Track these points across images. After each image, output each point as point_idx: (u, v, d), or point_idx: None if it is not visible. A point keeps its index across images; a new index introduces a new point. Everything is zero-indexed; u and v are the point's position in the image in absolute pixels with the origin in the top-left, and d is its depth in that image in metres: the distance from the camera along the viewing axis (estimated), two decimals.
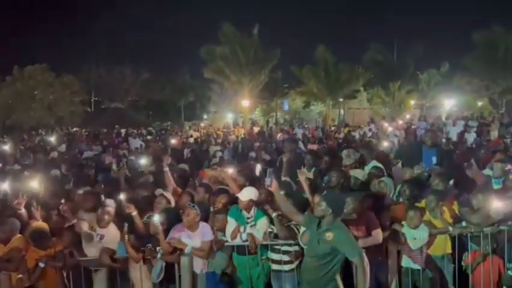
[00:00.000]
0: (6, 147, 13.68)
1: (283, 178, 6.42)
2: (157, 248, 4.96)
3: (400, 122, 20.29)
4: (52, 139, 17.73)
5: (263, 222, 5.13)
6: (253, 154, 11.09)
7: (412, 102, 36.76)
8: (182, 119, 40.91)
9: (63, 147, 15.13)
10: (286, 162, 6.73)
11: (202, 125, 34.23)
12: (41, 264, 4.69)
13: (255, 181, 6.12)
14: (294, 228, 4.91)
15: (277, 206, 4.84)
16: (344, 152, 6.91)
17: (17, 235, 4.94)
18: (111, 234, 5.14)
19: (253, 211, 5.14)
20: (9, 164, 10.26)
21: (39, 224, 4.92)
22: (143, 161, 8.97)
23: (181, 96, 41.26)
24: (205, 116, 42.22)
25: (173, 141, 16.04)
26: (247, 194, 5.10)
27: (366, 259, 3.97)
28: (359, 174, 6.12)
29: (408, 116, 27.35)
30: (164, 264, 4.94)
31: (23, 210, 5.46)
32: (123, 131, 23.91)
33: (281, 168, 6.77)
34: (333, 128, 23.53)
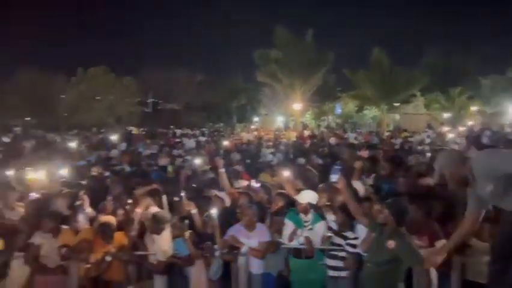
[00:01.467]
0: (73, 145, 14.57)
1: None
2: (215, 246, 5.06)
3: (461, 128, 19.33)
4: (113, 137, 18.64)
5: (321, 226, 5.08)
6: (301, 160, 10.77)
7: (473, 108, 34.91)
8: (234, 121, 41.50)
9: (123, 146, 15.86)
10: (359, 169, 6.42)
11: (252, 127, 34.52)
12: (108, 258, 4.92)
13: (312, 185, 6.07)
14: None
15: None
16: (411, 158, 6.66)
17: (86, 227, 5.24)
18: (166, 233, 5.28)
19: (310, 215, 5.11)
20: (76, 160, 10.89)
21: (107, 217, 5.18)
22: (199, 161, 9.20)
23: (234, 99, 41.88)
24: (256, 119, 42.54)
25: (225, 142, 16.30)
26: (306, 197, 5.08)
27: (432, 270, 3.82)
28: (425, 181, 5.88)
29: (470, 123, 25.99)
30: (221, 262, 5.03)
31: (88, 210, 5.81)
32: (178, 131, 24.65)
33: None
34: (387, 134, 22.87)
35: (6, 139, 20.64)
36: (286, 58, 30.34)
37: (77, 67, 35.58)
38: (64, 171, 7.82)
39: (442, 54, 34.16)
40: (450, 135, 14.72)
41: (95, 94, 35.06)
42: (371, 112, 39.18)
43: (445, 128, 16.93)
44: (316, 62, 30.41)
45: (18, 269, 4.98)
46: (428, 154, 10.09)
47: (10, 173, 7.64)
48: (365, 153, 8.49)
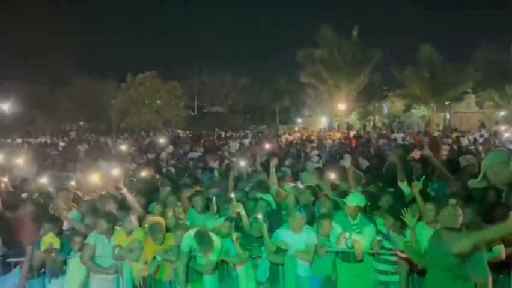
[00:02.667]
0: (123, 148, 15.16)
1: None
2: (262, 248, 5.07)
3: None
4: (161, 140, 19.19)
5: (370, 230, 4.97)
6: (344, 161, 10.48)
7: None
8: (277, 123, 41.55)
9: (170, 148, 16.28)
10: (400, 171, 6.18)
11: (296, 128, 34.36)
12: (158, 258, 5.06)
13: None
14: None
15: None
16: (464, 159, 6.36)
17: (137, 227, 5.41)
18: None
19: (359, 218, 5.00)
20: (127, 162, 11.30)
21: (157, 218, 5.33)
22: (243, 164, 9.25)
23: (277, 100, 41.92)
24: (299, 120, 42.34)
25: (269, 144, 16.31)
26: (354, 199, 4.98)
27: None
28: (479, 184, 5.59)
29: None
30: (269, 264, 5.04)
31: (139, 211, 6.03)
32: (223, 133, 25.01)
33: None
34: (437, 134, 21.97)
35: (62, 143, 21.83)
36: (331, 57, 29.96)
37: (126, 73, 37.11)
38: (115, 174, 8.12)
39: (496, 49, 32.32)
40: (506, 135, 13.88)
41: (143, 99, 36.36)
42: (419, 111, 37.85)
43: (501, 127, 15.97)
44: (362, 61, 29.81)
45: (76, 268, 5.22)
46: (483, 155, 9.60)
47: (67, 175, 8.06)
48: (416, 155, 8.21)
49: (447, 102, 33.67)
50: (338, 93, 31.15)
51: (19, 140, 25.16)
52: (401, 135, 20.30)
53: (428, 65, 29.92)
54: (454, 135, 18.73)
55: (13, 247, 5.18)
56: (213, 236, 4.88)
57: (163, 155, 13.53)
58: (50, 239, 5.02)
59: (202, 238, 4.74)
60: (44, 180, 7.34)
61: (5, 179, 7.46)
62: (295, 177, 8.00)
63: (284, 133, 29.44)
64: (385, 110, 40.79)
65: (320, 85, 32.38)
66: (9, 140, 24.71)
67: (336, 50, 29.63)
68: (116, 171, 6.89)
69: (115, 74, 39.40)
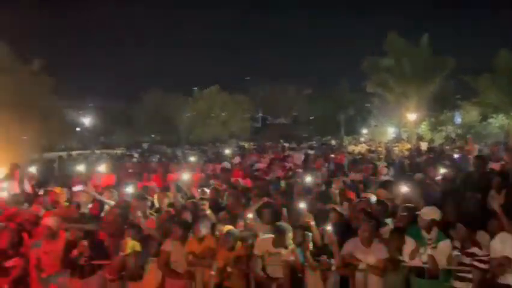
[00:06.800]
0: (192, 159, 15.77)
1: None
2: (331, 261, 5.04)
3: None
4: (227, 151, 19.70)
5: (446, 245, 4.75)
6: (420, 174, 9.96)
7: None
8: (342, 133, 40.84)
9: (236, 159, 16.63)
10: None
11: (362, 139, 33.52)
12: (229, 269, 5.21)
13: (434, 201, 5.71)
14: None
15: None
16: None
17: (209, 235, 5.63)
18: None
19: (434, 232, 4.80)
20: (197, 173, 11.73)
21: (228, 227, 5.51)
22: (308, 175, 9.25)
23: (341, 111, 41.29)
24: (364, 131, 41.27)
25: (335, 155, 16.10)
26: (429, 213, 4.79)
27: None
28: None
29: None
30: (338, 277, 4.98)
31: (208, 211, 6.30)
32: (286, 145, 25.09)
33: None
34: None
35: (136, 154, 23.18)
36: (398, 65, 28.99)
37: (192, 87, 38.79)
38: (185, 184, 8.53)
39: None
40: None
41: (210, 112, 37.68)
42: (497, 120, 35.26)
43: None
44: (433, 69, 28.51)
45: (152, 272, 5.53)
46: None
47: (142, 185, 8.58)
48: (496, 166, 7.71)
49: None
50: (407, 102, 29.98)
51: (98, 152, 27.13)
52: (477, 146, 19.02)
53: (507, 72, 27.87)
54: None
55: (98, 250, 5.61)
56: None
57: (229, 165, 13.80)
58: (131, 244, 5.38)
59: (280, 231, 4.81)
60: (125, 189, 7.88)
61: (89, 187, 8.13)
62: (364, 189, 7.86)
63: (349, 144, 28.87)
64: (458, 120, 38.48)
65: (386, 94, 31.39)
66: (89, 151, 26.71)
67: (405, 58, 28.60)
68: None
69: (182, 88, 41.36)
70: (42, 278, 5.51)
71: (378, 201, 6.21)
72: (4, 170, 10.12)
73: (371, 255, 4.91)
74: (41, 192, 8.44)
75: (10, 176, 9.53)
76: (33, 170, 11.61)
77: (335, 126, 42.08)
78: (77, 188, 7.97)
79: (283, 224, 5.39)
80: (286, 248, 5.11)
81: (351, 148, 23.99)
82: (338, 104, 41.03)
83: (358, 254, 4.95)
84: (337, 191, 7.32)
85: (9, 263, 5.47)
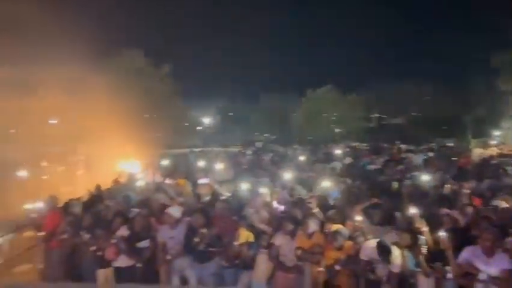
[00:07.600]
0: (302, 158, 15.94)
1: None
2: (446, 268, 4.77)
3: None
4: (337, 151, 19.38)
5: None
6: None
7: None
8: (469, 136, 37.25)
9: (348, 160, 16.32)
10: None
11: (492, 142, 30.18)
12: (337, 267, 5.25)
13: None
14: None
15: None
16: None
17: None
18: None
19: None
20: (304, 171, 11.88)
21: (338, 226, 5.55)
22: (426, 178, 8.77)
23: (469, 111, 37.70)
24: (496, 133, 37.01)
25: (458, 158, 14.84)
26: None
27: None
28: None
29: None
30: (456, 286, 4.69)
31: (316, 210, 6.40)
32: (403, 146, 23.78)
33: None
34: None
35: (249, 152, 24.18)
36: None
37: (306, 87, 39.02)
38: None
39: None
40: None
41: (322, 111, 37.58)
42: None
43: None
44: None
45: (264, 263, 5.83)
46: None
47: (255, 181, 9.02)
48: None
49: None
50: None
51: (216, 149, 28.96)
52: None
53: None
54: None
55: (214, 239, 6.09)
56: (393, 249, 4.82)
57: (338, 165, 13.60)
58: (245, 235, 5.76)
59: (383, 249, 4.74)
60: (240, 183, 8.40)
61: (208, 180, 8.82)
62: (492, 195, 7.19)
63: (475, 147, 26.23)
64: None
65: None
66: (209, 149, 28.66)
67: None
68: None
69: (294, 88, 41.72)
70: (167, 259, 6.16)
71: (504, 209, 5.66)
72: (140, 163, 11.56)
73: (493, 266, 4.52)
74: (167, 182, 9.38)
75: (145, 168, 10.90)
76: (165, 163, 12.93)
77: (459, 127, 38.61)
78: (202, 181, 8.64)
79: (387, 242, 5.18)
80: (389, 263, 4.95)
81: (478, 151, 21.84)
82: (465, 104, 37.61)
83: (478, 263, 4.59)
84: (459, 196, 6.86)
85: (140, 245, 6.21)
